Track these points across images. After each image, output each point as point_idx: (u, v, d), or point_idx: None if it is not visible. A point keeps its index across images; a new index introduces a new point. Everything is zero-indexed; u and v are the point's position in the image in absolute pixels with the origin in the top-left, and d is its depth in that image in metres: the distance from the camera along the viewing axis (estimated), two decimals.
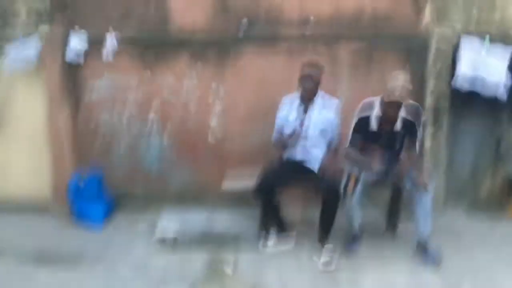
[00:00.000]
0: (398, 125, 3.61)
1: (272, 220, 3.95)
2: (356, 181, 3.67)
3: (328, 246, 3.75)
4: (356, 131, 3.70)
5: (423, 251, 3.66)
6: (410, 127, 3.63)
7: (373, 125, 3.64)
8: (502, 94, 4.32)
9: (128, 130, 4.82)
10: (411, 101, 3.67)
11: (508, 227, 4.34)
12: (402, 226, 4.12)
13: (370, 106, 3.69)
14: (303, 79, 3.82)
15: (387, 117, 3.60)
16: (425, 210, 3.60)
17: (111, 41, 4.49)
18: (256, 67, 4.63)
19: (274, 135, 4.04)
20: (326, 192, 3.64)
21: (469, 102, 4.50)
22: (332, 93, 4.54)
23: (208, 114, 4.75)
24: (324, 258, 3.65)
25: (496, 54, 4.35)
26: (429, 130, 4.49)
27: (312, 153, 3.92)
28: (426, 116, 4.45)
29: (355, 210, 3.74)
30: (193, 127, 4.78)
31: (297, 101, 3.98)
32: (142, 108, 4.77)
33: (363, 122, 3.67)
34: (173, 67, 4.68)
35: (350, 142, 3.72)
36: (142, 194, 4.93)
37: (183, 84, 4.71)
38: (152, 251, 3.96)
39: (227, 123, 4.76)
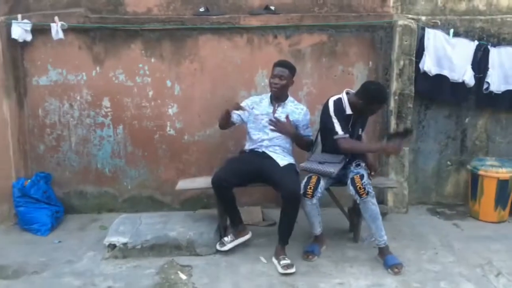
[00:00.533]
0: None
1: (227, 213, 3.76)
2: (317, 181, 3.49)
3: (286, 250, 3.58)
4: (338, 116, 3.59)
5: (383, 257, 3.51)
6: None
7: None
8: (470, 79, 4.23)
9: (78, 125, 4.51)
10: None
11: (472, 226, 4.25)
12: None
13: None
14: (273, 78, 3.72)
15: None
16: (371, 215, 3.45)
17: (56, 31, 4.14)
18: (214, 57, 4.41)
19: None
20: (286, 194, 3.45)
21: (434, 92, 4.39)
22: (295, 87, 4.40)
23: (165, 106, 4.50)
24: (284, 261, 3.45)
25: (461, 47, 4.24)
26: (393, 123, 4.35)
27: (276, 150, 3.79)
28: (391, 110, 4.33)
29: (316, 210, 3.55)
30: (149, 120, 4.52)
31: (267, 101, 3.85)
32: (93, 101, 4.47)
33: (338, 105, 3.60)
34: (126, 56, 4.40)
35: (341, 128, 3.53)
36: (94, 195, 4.67)
37: (137, 75, 4.43)
38: (101, 257, 3.70)
39: (184, 115, 4.52)
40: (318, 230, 3.69)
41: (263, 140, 3.79)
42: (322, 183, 3.52)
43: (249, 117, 3.87)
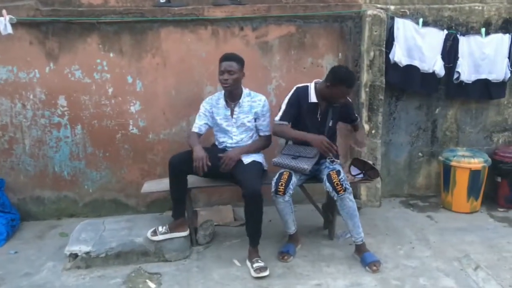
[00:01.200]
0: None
1: (174, 201, 3.55)
2: (289, 177, 3.33)
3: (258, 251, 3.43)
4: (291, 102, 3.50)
5: (360, 254, 3.41)
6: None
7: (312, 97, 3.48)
8: (440, 69, 4.18)
9: (32, 126, 4.20)
10: None
11: (446, 218, 4.21)
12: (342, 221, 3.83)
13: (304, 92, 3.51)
14: (221, 74, 3.47)
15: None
16: (349, 212, 3.34)
17: (4, 26, 3.79)
18: (177, 51, 4.19)
19: (192, 131, 3.65)
20: (247, 193, 3.25)
21: (405, 83, 4.31)
22: (264, 81, 4.24)
23: (126, 104, 4.25)
24: (257, 264, 3.30)
25: (431, 36, 4.18)
26: (364, 115, 4.25)
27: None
28: (362, 102, 4.23)
29: (289, 208, 3.40)
30: (109, 119, 4.26)
31: (222, 101, 3.62)
32: (48, 100, 4.17)
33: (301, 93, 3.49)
34: (82, 51, 4.11)
35: (282, 115, 3.48)
36: (52, 200, 4.38)
37: (95, 71, 4.16)
38: (62, 268, 3.44)
39: (148, 113, 4.28)
40: (292, 228, 3.54)
41: (227, 144, 3.62)
42: (294, 179, 3.37)
43: (212, 121, 3.65)
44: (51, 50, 4.08)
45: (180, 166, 3.37)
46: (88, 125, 4.24)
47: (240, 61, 3.50)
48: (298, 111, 3.47)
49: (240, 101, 3.56)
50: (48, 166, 4.29)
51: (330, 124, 3.50)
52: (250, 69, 4.19)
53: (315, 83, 3.50)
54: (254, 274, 3.25)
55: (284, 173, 3.37)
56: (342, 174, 3.33)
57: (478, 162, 4.14)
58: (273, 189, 3.34)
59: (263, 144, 3.65)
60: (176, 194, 3.51)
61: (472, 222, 4.09)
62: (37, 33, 4.04)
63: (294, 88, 3.54)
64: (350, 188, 3.32)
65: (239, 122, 3.57)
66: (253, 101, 3.59)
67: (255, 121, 3.59)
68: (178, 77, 4.22)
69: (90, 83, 4.17)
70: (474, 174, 4.16)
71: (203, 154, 3.30)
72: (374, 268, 3.26)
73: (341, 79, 3.30)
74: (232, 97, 3.57)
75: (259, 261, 3.32)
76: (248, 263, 3.37)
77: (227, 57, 3.47)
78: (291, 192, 3.35)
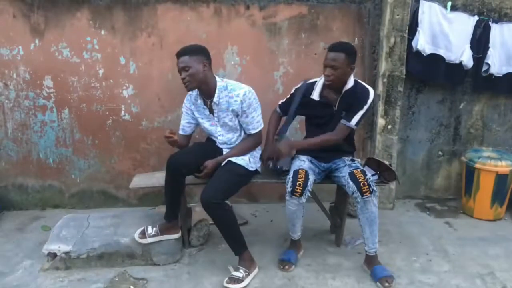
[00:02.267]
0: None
1: (168, 202, 3.16)
2: (306, 176, 2.94)
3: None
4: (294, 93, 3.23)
5: (370, 266, 3.03)
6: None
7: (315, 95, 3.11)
8: (468, 60, 3.76)
9: (15, 109, 3.84)
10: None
11: (466, 225, 3.81)
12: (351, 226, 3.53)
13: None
14: (179, 72, 2.96)
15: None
16: (369, 218, 2.94)
17: None
18: (175, 30, 3.78)
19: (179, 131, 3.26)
20: (201, 202, 2.84)
21: (428, 74, 3.89)
22: (271, 67, 3.83)
23: (118, 87, 3.87)
24: (235, 273, 2.93)
25: (459, 22, 3.73)
26: (380, 109, 3.83)
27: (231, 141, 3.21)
28: (378, 94, 3.80)
29: (301, 212, 3.01)
30: (100, 103, 3.89)
31: (200, 99, 3.14)
32: (33, 80, 3.79)
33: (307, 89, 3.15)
34: (70, 27, 3.72)
35: (282, 103, 3.31)
36: (36, 189, 4.04)
37: (84, 50, 3.77)
38: (39, 268, 3.11)
39: (141, 98, 3.91)
40: (298, 234, 3.18)
41: (217, 140, 3.21)
42: (312, 178, 2.99)
43: (197, 119, 3.22)
44: (37, 25, 3.70)
45: (179, 168, 2.97)
46: (76, 109, 3.88)
47: (195, 51, 2.94)
48: (304, 107, 3.13)
49: (215, 98, 3.01)
50: (32, 152, 3.94)
51: (343, 115, 3.06)
52: (256, 53, 3.84)
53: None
54: (224, 283, 2.90)
55: (300, 171, 2.96)
56: (368, 174, 2.93)
57: (505, 165, 3.71)
58: (289, 189, 2.93)
59: (252, 143, 3.16)
60: (172, 196, 3.12)
61: (496, 232, 3.68)
62: (21, 5, 3.65)
63: (302, 81, 3.19)
64: (377, 191, 2.92)
65: (221, 121, 3.11)
66: (230, 97, 3.01)
67: (236, 117, 3.10)
68: (175, 60, 3.77)
69: (79, 63, 3.78)
70: (501, 179, 3.73)
71: (165, 132, 3.00)
72: (386, 284, 2.87)
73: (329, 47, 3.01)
74: (205, 94, 3.05)
75: (240, 270, 2.94)
76: (231, 270, 3.03)
77: (180, 53, 2.94)
78: (308, 193, 2.96)
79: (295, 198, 2.93)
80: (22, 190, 4.02)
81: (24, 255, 3.30)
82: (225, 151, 3.17)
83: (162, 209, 3.80)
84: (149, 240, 3.11)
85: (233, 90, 3.01)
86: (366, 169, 3.15)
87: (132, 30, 3.75)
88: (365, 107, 2.99)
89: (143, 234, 3.12)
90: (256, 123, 3.09)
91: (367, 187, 2.85)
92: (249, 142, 3.14)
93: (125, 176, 3.99)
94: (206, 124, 3.17)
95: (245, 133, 3.17)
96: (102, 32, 3.74)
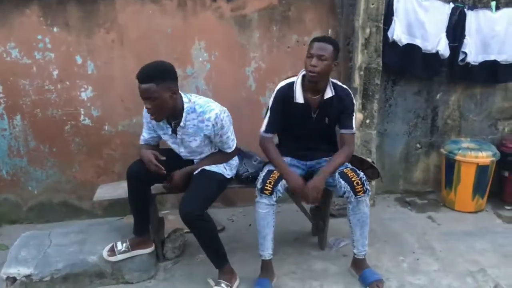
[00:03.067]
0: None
1: (135, 215, 2.90)
2: (279, 176, 2.74)
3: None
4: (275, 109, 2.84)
5: (359, 270, 2.87)
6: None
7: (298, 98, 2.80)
8: (445, 49, 3.65)
9: None
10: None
11: (449, 219, 3.72)
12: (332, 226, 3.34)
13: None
14: (143, 100, 2.57)
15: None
16: (361, 219, 2.78)
17: None
18: (137, 25, 3.49)
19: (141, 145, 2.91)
20: (181, 215, 2.58)
21: (404, 65, 3.75)
22: (241, 62, 3.60)
23: (76, 89, 3.54)
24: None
25: (435, 10, 3.61)
26: (358, 103, 3.66)
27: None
28: (355, 87, 3.64)
29: (271, 217, 2.76)
30: (56, 108, 3.55)
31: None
32: None
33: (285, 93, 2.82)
34: (19, 25, 3.37)
35: (268, 126, 2.85)
36: None
37: (36, 49, 3.43)
38: None
39: (103, 101, 3.60)
40: (268, 251, 2.82)
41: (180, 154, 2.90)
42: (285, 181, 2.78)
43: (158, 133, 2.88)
44: None
45: (140, 177, 2.69)
46: (29, 115, 3.53)
47: (162, 76, 2.51)
48: (286, 114, 2.83)
49: (182, 122, 2.66)
50: None
51: (327, 121, 2.86)
52: (225, 48, 3.60)
53: (303, 76, 2.81)
54: None
55: (275, 172, 2.76)
56: (361, 173, 2.76)
57: (486, 156, 3.64)
58: (258, 187, 2.72)
59: (226, 159, 2.87)
60: (138, 208, 2.85)
61: (479, 224, 3.61)
62: None
63: (276, 89, 2.83)
64: (370, 191, 2.77)
65: (185, 144, 2.81)
66: (200, 120, 2.66)
67: (208, 139, 2.77)
68: (138, 58, 3.48)
69: (30, 64, 3.44)
70: (482, 170, 3.66)
71: (148, 153, 2.63)
72: None
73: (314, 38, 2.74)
74: (172, 116, 2.68)
75: (222, 284, 2.71)
76: (211, 283, 2.81)
77: (141, 79, 2.50)
78: (279, 194, 2.74)
79: (264, 196, 2.70)
80: None
81: None
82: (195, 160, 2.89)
83: (131, 219, 3.50)
84: (119, 257, 2.84)
85: (203, 114, 2.64)
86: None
87: (88, 26, 3.43)
88: (355, 108, 2.83)
89: (112, 251, 2.84)
90: (231, 141, 2.80)
91: (361, 186, 2.68)
92: (223, 158, 2.86)
93: (88, 186, 3.67)
94: (169, 141, 2.83)
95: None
96: (55, 29, 3.40)
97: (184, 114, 2.64)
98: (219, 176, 2.82)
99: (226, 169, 2.87)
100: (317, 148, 2.97)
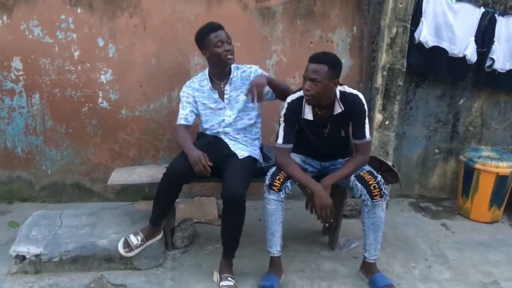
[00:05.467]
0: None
1: (160, 208, 2.87)
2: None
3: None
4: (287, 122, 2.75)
5: (368, 274, 2.82)
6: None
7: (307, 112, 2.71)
8: (472, 54, 3.57)
9: None
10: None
11: (463, 228, 3.65)
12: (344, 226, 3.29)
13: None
14: (221, 45, 2.81)
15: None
16: (375, 223, 2.73)
17: None
18: (160, 11, 3.45)
19: (178, 125, 2.92)
20: (226, 196, 2.60)
21: (429, 68, 3.67)
22: (263, 55, 3.57)
23: (96, 71, 3.52)
24: (226, 282, 2.69)
25: (464, 14, 3.52)
26: (378, 104, 3.60)
27: (236, 137, 2.96)
28: (377, 87, 3.58)
29: (279, 214, 2.71)
30: (74, 89, 3.54)
31: (207, 82, 2.94)
32: (0, 61, 3.42)
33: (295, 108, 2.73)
34: (42, 4, 3.36)
35: (285, 137, 2.74)
36: (2, 180, 3.70)
37: (58, 29, 3.41)
38: (6, 271, 2.80)
39: (121, 84, 3.58)
40: (277, 248, 2.79)
41: (218, 129, 2.95)
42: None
43: (198, 108, 2.97)
44: (5, 0, 3.31)
45: (183, 175, 2.69)
46: (48, 94, 3.52)
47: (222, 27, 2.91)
48: (299, 128, 2.78)
49: (231, 75, 2.93)
50: None
51: (343, 134, 2.80)
52: (247, 39, 3.55)
53: None
54: None
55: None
56: (379, 177, 2.70)
57: (506, 166, 3.55)
58: (266, 183, 2.69)
59: (286, 90, 2.88)
60: (165, 202, 2.84)
61: (494, 235, 3.54)
62: None
63: (286, 103, 2.75)
64: (388, 195, 2.71)
65: (233, 102, 2.92)
66: (243, 71, 2.96)
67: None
68: (160, 44, 3.49)
69: (52, 44, 3.43)
70: (501, 180, 3.57)
71: (198, 154, 2.63)
72: None
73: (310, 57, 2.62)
74: (220, 76, 2.93)
75: (229, 278, 2.71)
76: (217, 277, 2.79)
77: (215, 27, 2.88)
78: (287, 191, 2.70)
79: (272, 193, 2.66)
80: None
81: None
82: (229, 143, 2.93)
83: (142, 205, 3.56)
84: (137, 251, 2.84)
85: (247, 67, 2.99)
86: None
87: (112, 9, 3.40)
88: (366, 113, 2.72)
89: (128, 247, 2.83)
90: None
91: (378, 190, 2.63)
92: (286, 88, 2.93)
93: (102, 169, 3.68)
94: (213, 108, 2.92)
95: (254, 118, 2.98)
96: (79, 10, 3.38)
97: (232, 70, 2.94)
98: (257, 163, 2.94)
99: (260, 157, 2.97)
100: (334, 154, 2.92)
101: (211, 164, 2.62)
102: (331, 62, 2.56)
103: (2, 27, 3.35)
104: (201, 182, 2.96)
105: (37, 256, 2.80)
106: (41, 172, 3.70)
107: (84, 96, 3.55)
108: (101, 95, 3.57)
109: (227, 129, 2.94)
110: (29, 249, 2.81)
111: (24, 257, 2.82)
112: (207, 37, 2.79)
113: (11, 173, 3.68)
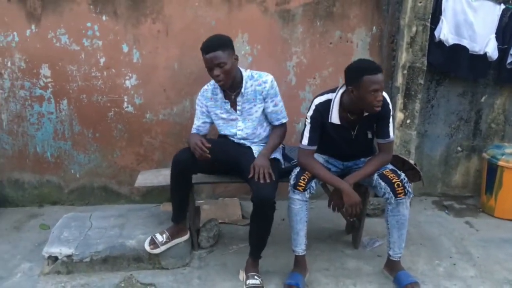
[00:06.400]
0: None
1: (176, 204, 2.95)
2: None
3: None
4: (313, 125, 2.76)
5: (393, 272, 2.84)
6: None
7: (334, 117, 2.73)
8: (493, 51, 3.56)
9: (10, 99, 3.59)
10: None
11: (488, 225, 3.63)
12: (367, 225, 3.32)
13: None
14: (210, 70, 2.72)
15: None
16: (399, 221, 2.75)
17: None
18: (183, 17, 3.53)
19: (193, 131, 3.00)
20: (256, 199, 2.62)
21: (450, 66, 3.67)
22: (283, 57, 3.61)
23: (121, 77, 3.62)
24: (252, 281, 2.73)
25: (485, 11, 3.52)
26: (399, 102, 3.62)
27: (254, 140, 2.98)
28: (397, 86, 3.59)
29: (304, 213, 2.75)
30: (100, 94, 3.64)
31: (219, 93, 2.91)
32: (29, 69, 3.54)
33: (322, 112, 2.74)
34: (69, 12, 3.47)
35: (310, 139, 2.76)
36: (33, 184, 3.81)
37: (84, 36, 3.52)
38: (39, 272, 2.90)
39: (145, 89, 3.67)
40: (301, 247, 2.83)
41: (234, 136, 2.97)
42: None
43: (212, 117, 3.00)
44: (33, 10, 3.44)
45: (187, 164, 2.73)
46: (75, 100, 3.63)
47: (224, 44, 2.70)
48: (324, 131, 2.78)
49: (243, 89, 2.83)
50: (28, 145, 3.70)
51: (370, 135, 2.81)
52: (267, 42, 3.61)
53: (342, 94, 2.72)
54: None
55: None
56: (402, 175, 2.73)
57: None
58: (291, 183, 2.73)
59: (282, 135, 2.97)
60: (180, 196, 2.90)
61: None
62: None
63: (314, 105, 2.75)
64: (412, 193, 2.73)
65: (245, 114, 2.90)
66: (257, 85, 2.84)
67: (263, 111, 2.91)
68: (182, 48, 3.57)
69: (79, 51, 3.53)
70: None
71: (197, 138, 2.69)
72: None
73: (362, 68, 2.54)
74: (232, 87, 2.85)
75: (256, 277, 2.75)
76: (243, 276, 2.83)
77: (208, 47, 2.70)
78: (312, 191, 2.75)
79: (297, 193, 2.70)
80: (18, 185, 3.79)
81: (22, 257, 3.09)
82: (246, 142, 2.96)
83: (167, 207, 3.63)
84: (162, 248, 2.91)
85: (260, 77, 2.85)
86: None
87: (135, 16, 3.50)
88: (391, 113, 2.74)
89: (154, 244, 2.91)
90: (284, 111, 2.94)
91: (401, 188, 2.65)
92: (280, 133, 2.96)
93: (128, 172, 3.78)
94: (226, 119, 2.93)
95: (273, 126, 2.98)
96: (104, 18, 3.49)
97: (244, 81, 2.83)
98: (280, 164, 2.98)
99: (281, 158, 3.00)
100: (358, 154, 2.94)
101: (209, 145, 2.66)
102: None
103: (30, 36, 3.47)
104: (208, 174, 2.97)
105: (68, 256, 2.89)
106: (69, 175, 3.81)
107: (110, 101, 3.65)
108: (126, 99, 3.66)
109: (242, 141, 2.96)
110: (61, 250, 2.90)
111: (56, 258, 2.91)
112: (203, 58, 2.74)
113: (41, 177, 3.80)
